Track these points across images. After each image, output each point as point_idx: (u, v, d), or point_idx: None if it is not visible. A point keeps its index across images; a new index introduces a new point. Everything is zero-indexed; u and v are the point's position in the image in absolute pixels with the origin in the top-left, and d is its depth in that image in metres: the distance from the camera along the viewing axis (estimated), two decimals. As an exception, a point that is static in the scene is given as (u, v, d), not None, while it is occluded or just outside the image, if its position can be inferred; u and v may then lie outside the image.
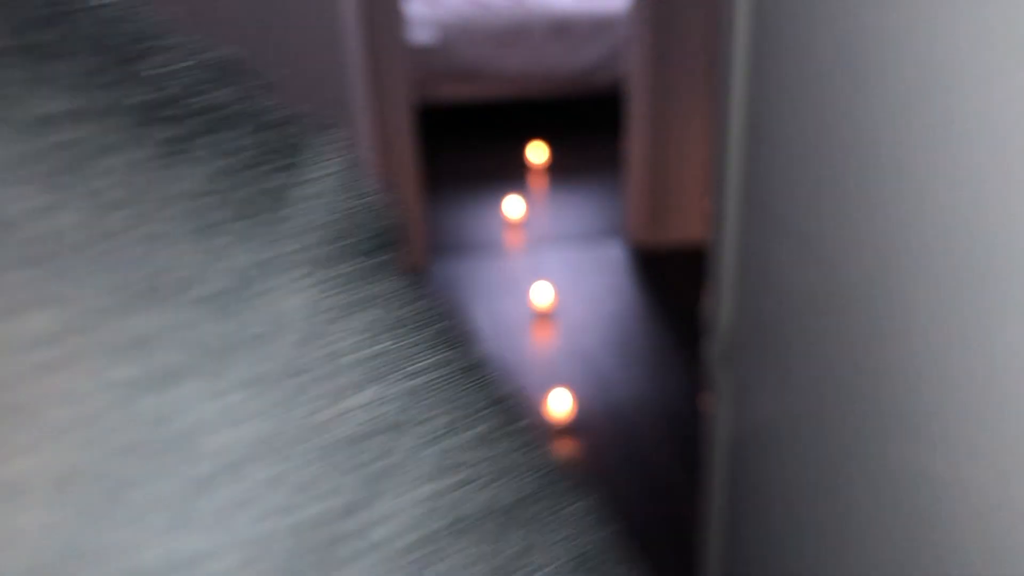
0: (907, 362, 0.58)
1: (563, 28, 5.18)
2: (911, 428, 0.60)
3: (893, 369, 0.60)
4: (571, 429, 2.43)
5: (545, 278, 3.46)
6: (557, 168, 4.82)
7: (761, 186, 0.76)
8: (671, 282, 3.36)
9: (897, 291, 0.58)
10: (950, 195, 0.53)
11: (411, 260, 3.56)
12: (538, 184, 4.63)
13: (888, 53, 0.54)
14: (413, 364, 0.20)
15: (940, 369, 0.55)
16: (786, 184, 0.71)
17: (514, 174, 4.76)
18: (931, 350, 0.56)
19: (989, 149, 0.49)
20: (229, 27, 1.75)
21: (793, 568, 0.77)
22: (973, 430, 0.54)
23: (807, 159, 0.66)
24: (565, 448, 2.35)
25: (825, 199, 0.64)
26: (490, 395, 0.22)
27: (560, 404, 2.43)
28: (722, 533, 0.97)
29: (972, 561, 0.54)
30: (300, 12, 1.75)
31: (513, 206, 4.08)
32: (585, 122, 5.72)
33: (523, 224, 4.04)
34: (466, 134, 5.50)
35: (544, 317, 3.11)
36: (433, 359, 0.21)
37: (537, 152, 4.86)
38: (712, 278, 0.87)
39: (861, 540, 0.66)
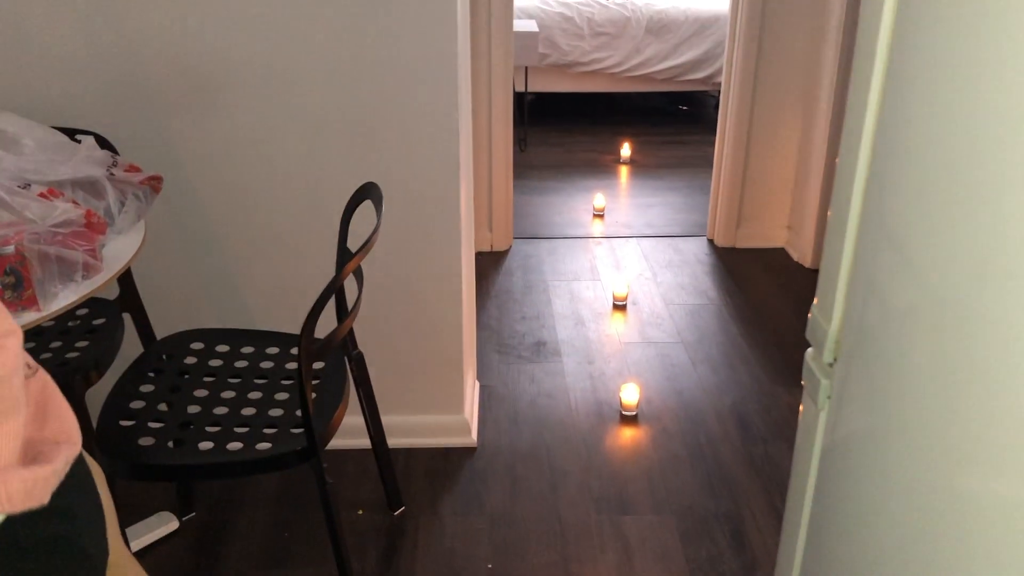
0: (997, 387, 0.62)
1: (663, 26, 5.21)
2: (999, 454, 0.61)
3: (983, 394, 0.63)
4: (638, 417, 2.50)
5: (624, 268, 3.53)
6: (646, 162, 4.86)
7: (877, 201, 0.82)
8: (749, 283, 3.39)
9: (992, 313, 0.63)
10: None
11: (495, 241, 3.66)
12: (626, 176, 4.69)
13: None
14: None
15: None
16: (901, 200, 0.76)
17: (603, 165, 4.82)
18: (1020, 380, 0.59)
19: None
20: (347, 13, 1.86)
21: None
22: None
23: (925, 178, 0.71)
24: (630, 436, 2.42)
25: (935, 217, 0.70)
26: None
27: (630, 393, 2.51)
28: (804, 539, 1.01)
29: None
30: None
31: (599, 197, 4.15)
32: (677, 119, 5.73)
33: (607, 214, 4.11)
34: (560, 123, 5.58)
35: (621, 306, 3.18)
36: None
37: (627, 145, 4.91)
38: (823, 287, 0.93)
39: (944, 561, 0.69)
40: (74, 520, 0.50)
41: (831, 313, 0.88)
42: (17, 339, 0.48)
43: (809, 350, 0.96)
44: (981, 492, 0.65)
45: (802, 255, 3.56)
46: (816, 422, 0.92)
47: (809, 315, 0.94)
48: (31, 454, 0.47)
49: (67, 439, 0.51)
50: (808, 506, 0.99)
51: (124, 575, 0.59)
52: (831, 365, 0.90)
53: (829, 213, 0.90)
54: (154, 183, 1.63)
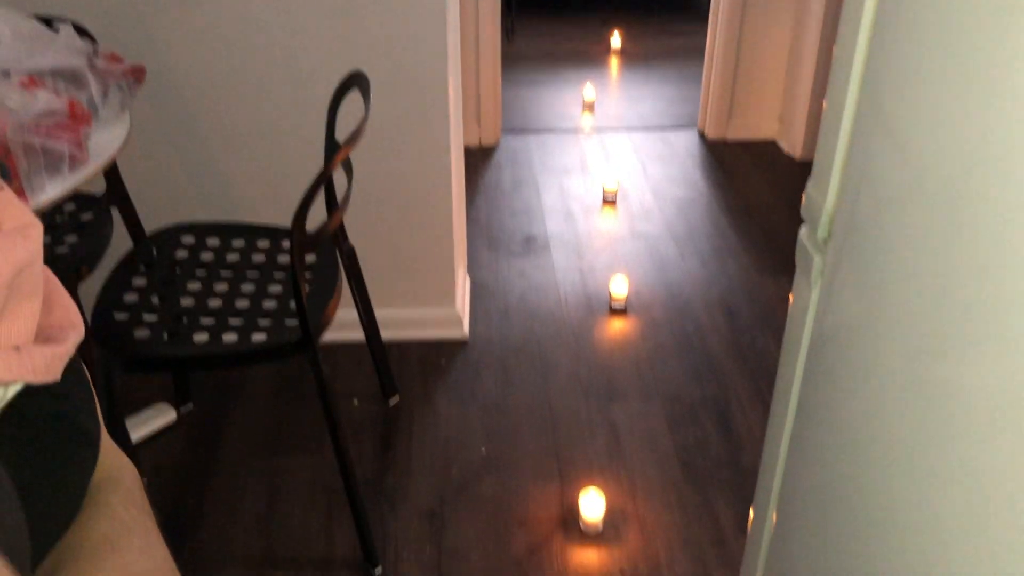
0: (985, 275, 0.62)
1: (655, -92, 5.02)
2: (985, 342, 0.62)
3: (972, 282, 0.63)
4: (627, 309, 2.53)
5: (614, 162, 3.50)
6: (636, 54, 4.76)
7: (872, 87, 0.80)
8: (739, 176, 3.38)
9: (981, 199, 0.62)
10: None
11: (484, 135, 3.62)
12: (615, 67, 4.60)
13: None
14: None
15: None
16: (896, 88, 0.75)
17: (593, 57, 4.72)
18: (1004, 268, 0.59)
19: None
20: None
21: (859, 468, 0.83)
22: None
23: (920, 66, 0.70)
24: (619, 328, 2.46)
25: (929, 104, 0.69)
26: None
27: (619, 285, 2.53)
28: (792, 423, 1.03)
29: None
30: None
31: (589, 89, 4.08)
32: (669, 7, 5.59)
33: (597, 107, 4.05)
34: (549, 11, 5.43)
35: (610, 200, 3.18)
36: None
37: (617, 35, 4.80)
38: (819, 165, 0.92)
39: (927, 449, 0.70)
40: (72, 400, 0.54)
41: (827, 190, 0.88)
42: (38, 230, 0.51)
43: (803, 228, 0.96)
44: (964, 381, 0.66)
45: (792, 147, 3.54)
46: (808, 302, 0.94)
47: (804, 193, 0.94)
48: (42, 337, 0.50)
49: (71, 324, 0.53)
50: (796, 390, 1.01)
51: (112, 458, 0.64)
52: (825, 242, 0.91)
53: (825, 100, 0.90)
54: (137, 73, 1.59)
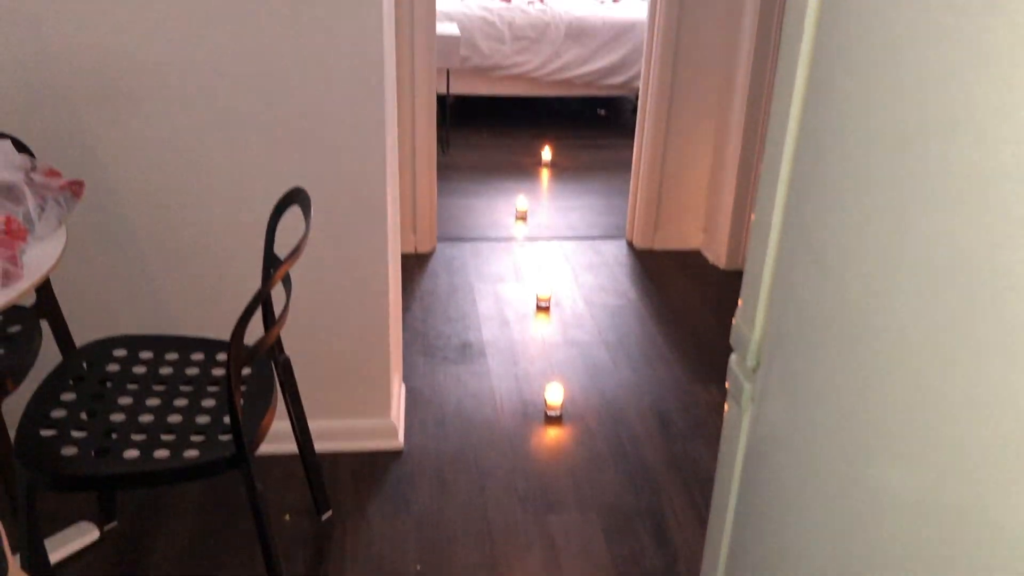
0: (899, 384, 0.68)
1: (582, 32, 5.29)
2: (901, 446, 0.67)
3: (888, 393, 0.69)
4: (562, 417, 2.55)
5: (547, 270, 3.58)
6: (566, 165, 4.94)
7: (796, 210, 0.87)
8: (667, 284, 3.48)
9: (896, 318, 0.68)
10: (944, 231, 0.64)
11: (419, 243, 3.68)
12: (547, 179, 4.75)
13: (932, 97, 0.64)
14: None
15: (923, 392, 0.65)
16: (817, 210, 0.81)
17: (525, 169, 4.88)
18: (918, 375, 0.65)
19: (977, 203, 0.60)
20: (272, 15, 1.86)
21: (798, 570, 0.87)
22: (956, 450, 0.61)
23: (840, 188, 0.77)
24: (555, 436, 2.47)
25: (848, 226, 0.75)
26: None
27: (554, 393, 2.56)
28: (729, 534, 1.06)
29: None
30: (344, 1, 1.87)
31: (521, 199, 4.20)
32: (596, 123, 5.83)
33: (529, 216, 4.16)
34: (482, 126, 5.61)
35: (544, 307, 3.24)
36: None
37: (548, 148, 4.98)
38: (746, 295, 0.98)
39: (861, 550, 0.74)
40: None
41: (754, 320, 0.93)
42: None
43: (733, 355, 1.01)
44: (888, 482, 0.71)
45: (717, 257, 3.68)
46: (740, 423, 0.98)
47: (733, 321, 0.99)
48: None
49: None
50: (733, 502, 1.04)
51: None
52: (754, 370, 0.95)
53: (752, 220, 0.96)
54: (75, 188, 1.60)
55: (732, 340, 0.99)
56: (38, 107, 1.90)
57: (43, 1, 1.82)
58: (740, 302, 0.98)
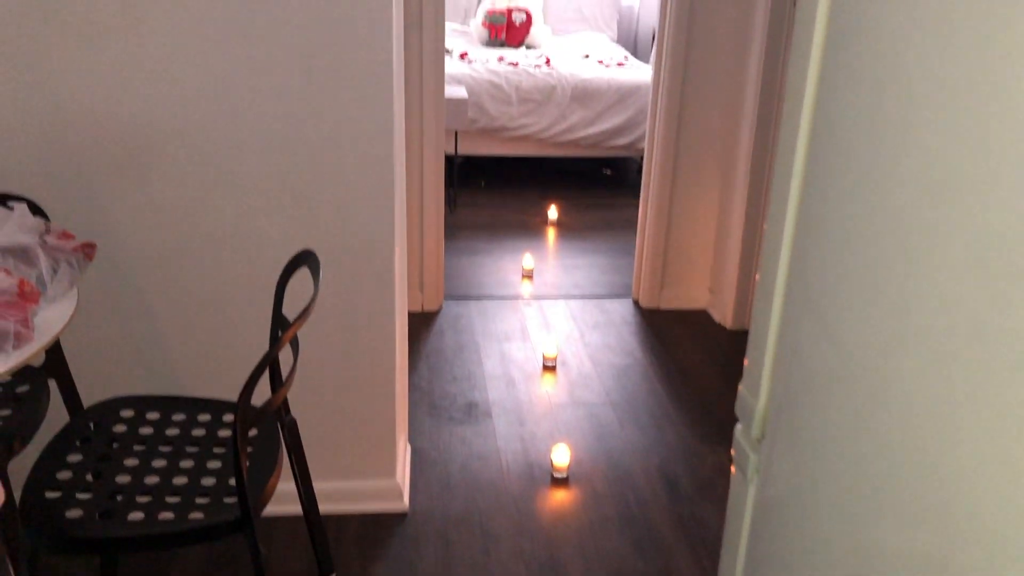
0: (902, 446, 0.68)
1: (587, 95, 5.38)
2: (907, 510, 0.67)
3: (895, 454, 0.69)
4: (569, 479, 2.53)
5: (553, 329, 3.59)
6: (572, 224, 4.97)
7: (800, 273, 0.87)
8: (673, 344, 3.48)
9: (901, 382, 0.68)
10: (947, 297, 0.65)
11: (426, 301, 3.69)
12: (553, 238, 4.79)
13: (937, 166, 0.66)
14: None
15: (928, 457, 0.66)
16: (821, 272, 0.82)
17: (531, 228, 4.92)
18: (927, 441, 0.65)
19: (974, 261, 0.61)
20: (289, 70, 1.90)
21: None
22: (966, 516, 0.61)
23: (844, 250, 0.78)
24: (561, 498, 2.45)
25: (852, 289, 0.76)
26: None
27: (560, 455, 2.54)
28: None
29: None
30: (356, 62, 1.91)
31: (528, 258, 4.23)
32: (602, 183, 5.89)
33: (536, 275, 4.18)
34: (489, 185, 5.67)
35: (550, 366, 3.23)
36: None
37: (554, 207, 5.02)
38: (750, 365, 0.98)
39: None
40: None
41: (758, 391, 0.93)
42: None
43: (738, 425, 1.01)
44: (897, 548, 0.70)
45: (723, 316, 3.68)
46: (746, 492, 0.97)
47: (739, 389, 1.00)
48: None
49: None
50: (740, 569, 1.04)
51: None
52: (759, 440, 0.95)
53: (756, 284, 0.97)
54: (87, 250, 1.62)
55: (737, 410, 0.99)
56: (54, 170, 1.94)
57: (61, 69, 1.87)
58: (745, 367, 0.98)
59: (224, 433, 1.76)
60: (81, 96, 1.89)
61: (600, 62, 5.77)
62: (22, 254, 1.51)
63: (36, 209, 1.79)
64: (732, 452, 1.02)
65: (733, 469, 1.02)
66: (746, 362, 0.97)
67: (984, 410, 0.60)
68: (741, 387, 0.98)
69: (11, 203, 1.68)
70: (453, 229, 4.72)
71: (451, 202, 5.13)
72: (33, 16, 1.84)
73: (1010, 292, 0.57)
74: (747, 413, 0.96)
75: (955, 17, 0.63)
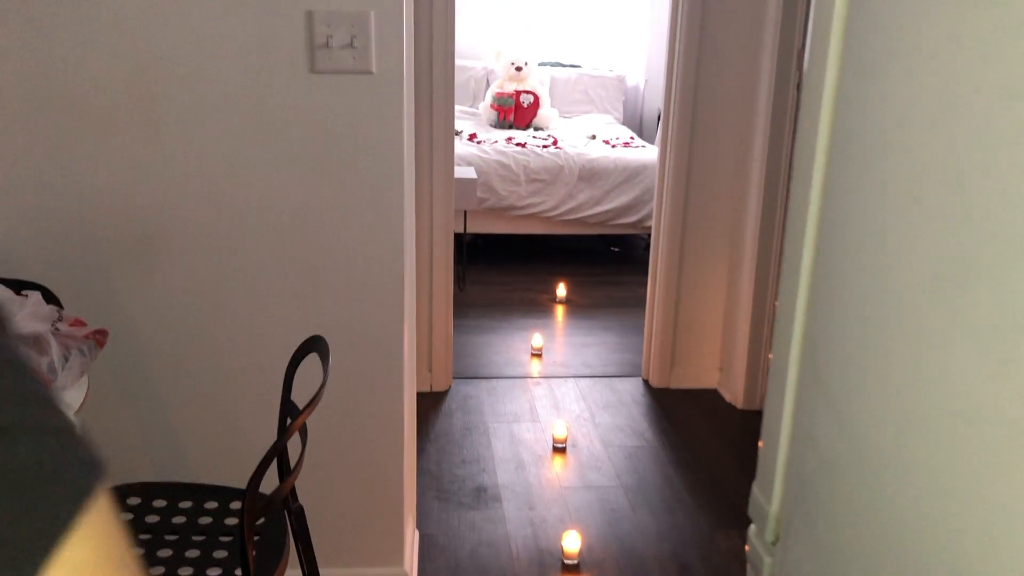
0: (920, 540, 0.67)
1: (594, 174, 5.46)
2: None
3: (913, 545, 0.67)
4: (580, 566, 2.48)
5: (563, 409, 3.56)
6: (581, 302, 4.99)
7: (811, 359, 0.87)
8: (684, 424, 3.45)
9: (914, 469, 0.68)
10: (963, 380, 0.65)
11: (435, 381, 3.68)
12: (562, 315, 4.79)
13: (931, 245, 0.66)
14: None
15: (946, 548, 0.64)
16: (832, 357, 0.82)
17: (540, 306, 4.93)
18: (942, 534, 0.64)
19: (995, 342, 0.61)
20: (300, 159, 1.94)
21: None
22: None
23: (855, 333, 0.77)
24: (574, 582, 2.40)
25: (863, 373, 0.75)
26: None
27: (571, 541, 2.50)
28: None
29: None
30: (366, 151, 1.95)
31: (537, 336, 4.22)
32: (610, 260, 5.93)
33: (545, 354, 4.17)
34: (498, 264, 5.71)
35: (560, 448, 3.20)
36: None
37: (563, 285, 5.04)
38: (762, 465, 0.96)
39: None
40: None
41: (771, 493, 0.92)
42: None
43: (752, 527, 1.00)
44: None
45: (734, 396, 3.65)
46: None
47: (751, 491, 0.98)
48: None
49: None
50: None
51: None
52: (773, 543, 0.93)
53: (768, 367, 0.96)
54: (99, 337, 1.63)
55: (751, 511, 0.98)
56: (68, 256, 1.96)
57: (78, 157, 1.91)
58: (759, 463, 0.97)
59: (231, 521, 1.73)
60: (96, 184, 1.93)
61: (606, 142, 5.87)
62: (34, 342, 1.52)
63: (50, 297, 1.80)
64: (747, 549, 1.00)
65: (748, 568, 1.00)
66: (759, 459, 0.96)
67: (1009, 495, 0.59)
68: (754, 488, 0.96)
69: (25, 292, 1.69)
70: (462, 307, 4.73)
71: (460, 280, 5.16)
72: (53, 106, 1.89)
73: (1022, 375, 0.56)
74: (761, 516, 0.95)
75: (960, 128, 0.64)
